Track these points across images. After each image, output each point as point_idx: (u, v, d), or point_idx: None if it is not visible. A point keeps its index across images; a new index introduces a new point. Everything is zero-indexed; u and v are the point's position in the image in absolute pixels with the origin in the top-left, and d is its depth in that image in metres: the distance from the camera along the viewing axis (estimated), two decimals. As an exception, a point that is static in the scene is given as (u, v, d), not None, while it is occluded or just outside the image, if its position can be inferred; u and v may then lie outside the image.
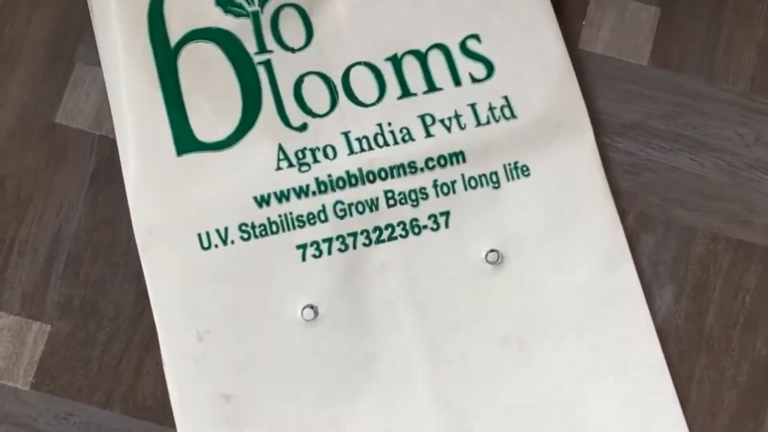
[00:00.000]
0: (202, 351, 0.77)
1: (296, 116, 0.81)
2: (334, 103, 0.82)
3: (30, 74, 0.84)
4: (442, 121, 0.81)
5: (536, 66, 0.83)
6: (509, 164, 0.82)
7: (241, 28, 0.82)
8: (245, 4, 0.83)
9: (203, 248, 0.78)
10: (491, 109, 0.82)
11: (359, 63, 0.83)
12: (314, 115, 0.81)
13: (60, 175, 0.82)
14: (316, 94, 0.82)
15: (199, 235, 0.78)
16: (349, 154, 0.80)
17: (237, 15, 0.82)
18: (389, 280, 0.80)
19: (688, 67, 0.86)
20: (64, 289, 0.80)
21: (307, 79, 0.82)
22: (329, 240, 0.79)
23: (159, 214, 0.79)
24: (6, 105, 0.83)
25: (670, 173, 0.84)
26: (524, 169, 0.82)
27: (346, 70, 0.82)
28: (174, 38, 0.81)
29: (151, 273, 0.78)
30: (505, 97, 0.82)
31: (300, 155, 0.80)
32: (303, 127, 0.81)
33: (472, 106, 0.82)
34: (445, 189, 0.81)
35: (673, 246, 0.83)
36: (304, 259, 0.79)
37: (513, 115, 0.82)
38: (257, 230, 0.79)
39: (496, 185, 0.81)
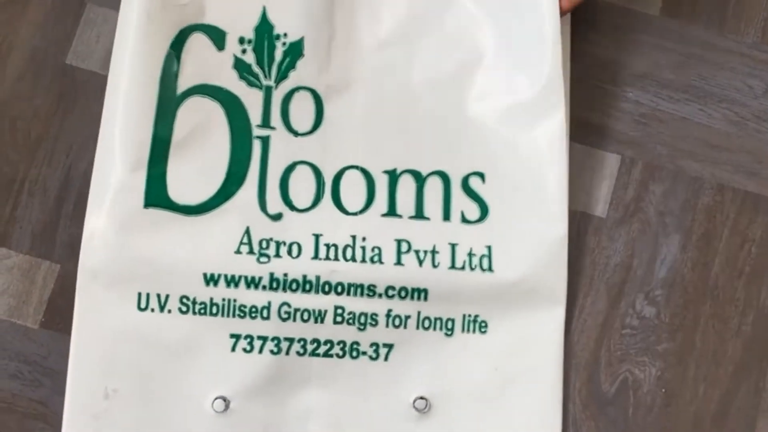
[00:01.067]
0: (104, 408, 0.75)
1: (274, 204, 0.78)
2: (317, 201, 0.78)
3: (41, 15, 0.84)
4: (417, 252, 0.77)
5: (532, 227, 0.78)
6: (469, 315, 0.77)
7: (250, 96, 0.79)
8: (261, 76, 0.79)
9: (139, 308, 0.76)
10: (470, 255, 0.77)
11: (356, 167, 0.79)
12: (293, 209, 0.78)
13: (70, 116, 0.82)
14: (302, 187, 0.78)
15: (139, 294, 0.76)
16: (312, 258, 0.76)
17: (250, 84, 0.79)
18: (310, 396, 0.77)
19: (699, 18, 0.86)
20: (74, 229, 0.81)
21: (298, 168, 0.79)
22: (264, 338, 0.76)
23: (107, 259, 0.76)
24: (17, 46, 0.83)
25: (678, 123, 0.84)
26: (483, 325, 0.78)
27: (341, 170, 0.79)
28: (183, 86, 0.78)
29: (80, 316, 0.76)
30: (488, 248, 0.78)
31: (264, 245, 0.76)
32: (277, 217, 0.77)
33: (453, 246, 0.78)
34: (397, 322, 0.77)
35: (680, 196, 0.83)
36: (233, 349, 0.76)
37: (490, 269, 0.77)
38: (197, 307, 0.76)
39: (449, 333, 0.77)
